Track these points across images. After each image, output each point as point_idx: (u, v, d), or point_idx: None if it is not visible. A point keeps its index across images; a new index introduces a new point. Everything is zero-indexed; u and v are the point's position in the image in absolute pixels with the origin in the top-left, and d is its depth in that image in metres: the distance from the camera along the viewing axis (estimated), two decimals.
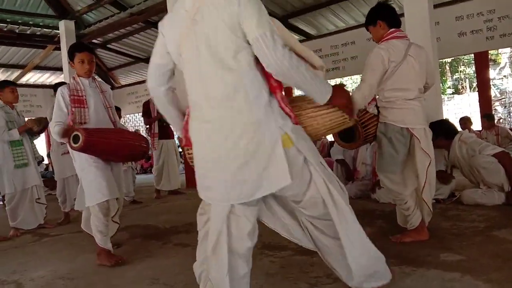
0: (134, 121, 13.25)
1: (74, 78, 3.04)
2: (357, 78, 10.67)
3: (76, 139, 2.70)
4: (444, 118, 4.25)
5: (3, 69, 10.58)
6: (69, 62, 3.09)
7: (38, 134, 4.62)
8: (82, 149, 2.71)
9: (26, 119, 4.67)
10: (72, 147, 2.73)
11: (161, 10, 7.40)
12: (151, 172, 8.04)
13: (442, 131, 3.87)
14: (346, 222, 1.66)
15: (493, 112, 9.34)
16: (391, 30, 2.67)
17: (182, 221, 4.13)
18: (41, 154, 4.82)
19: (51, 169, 8.95)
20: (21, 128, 4.31)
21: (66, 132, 2.73)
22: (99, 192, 2.84)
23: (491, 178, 3.62)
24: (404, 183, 2.69)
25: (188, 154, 1.86)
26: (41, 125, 4.38)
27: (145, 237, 3.68)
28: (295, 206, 1.70)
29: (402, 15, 5.17)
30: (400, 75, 2.57)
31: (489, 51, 7.75)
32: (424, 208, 2.72)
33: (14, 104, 4.48)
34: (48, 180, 7.59)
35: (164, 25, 1.65)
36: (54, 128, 2.84)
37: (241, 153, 1.49)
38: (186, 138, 1.73)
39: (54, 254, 3.34)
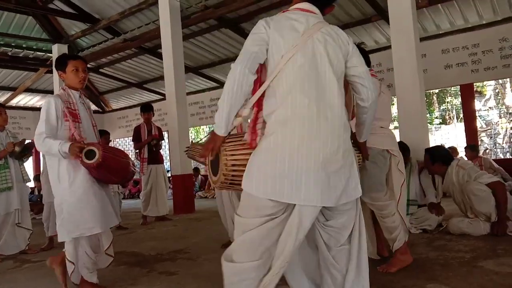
0: (124, 146, 13.20)
1: (64, 89, 2.72)
2: None
3: (90, 155, 2.45)
4: (440, 144, 4.34)
5: None
6: (59, 74, 2.77)
7: (25, 156, 4.52)
8: (97, 166, 2.46)
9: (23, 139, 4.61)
10: (85, 164, 2.46)
11: (155, 36, 7.52)
12: (138, 197, 7.96)
13: (441, 157, 3.95)
14: (362, 248, 1.77)
15: (480, 143, 9.50)
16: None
17: (168, 248, 4.06)
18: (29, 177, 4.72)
19: (36, 193, 8.81)
20: (1, 153, 4.24)
21: (78, 147, 2.44)
22: (92, 222, 2.51)
23: (480, 206, 3.63)
24: (389, 198, 2.85)
25: (232, 158, 1.74)
26: (22, 146, 4.30)
27: (130, 264, 3.61)
28: (328, 229, 1.76)
29: (389, 47, 5.32)
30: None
31: (475, 83, 7.95)
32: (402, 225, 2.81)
33: (4, 126, 4.43)
34: (33, 203, 7.45)
35: (270, 26, 1.71)
36: (43, 140, 2.49)
37: (340, 159, 1.65)
38: (253, 139, 1.72)
39: (35, 282, 3.25)
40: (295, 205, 1.62)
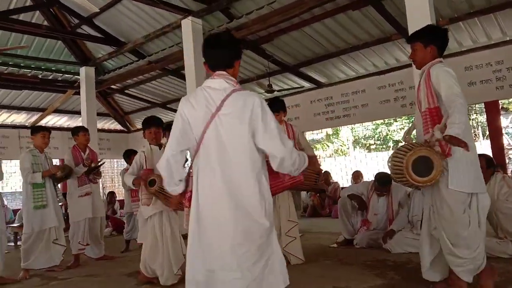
0: None
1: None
2: (368, 125, 10.73)
3: None
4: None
5: (24, 112, 10.97)
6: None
7: (62, 180, 4.75)
8: None
9: (54, 161, 4.87)
10: None
11: (178, 58, 7.71)
12: None
13: (493, 164, 3.85)
14: None
15: (508, 161, 9.24)
16: None
17: None
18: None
19: (63, 211, 9.01)
20: (45, 172, 4.47)
21: None
22: None
23: (508, 225, 3.51)
24: None
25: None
26: (65, 171, 4.55)
27: (153, 284, 3.64)
28: None
29: (411, 65, 5.31)
30: None
31: (500, 100, 7.80)
32: None
33: (43, 148, 4.68)
34: None
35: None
36: None
37: None
38: (449, 150, 2.51)
39: None
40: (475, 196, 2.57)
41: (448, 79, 2.53)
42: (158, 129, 3.80)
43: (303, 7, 5.99)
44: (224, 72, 2.04)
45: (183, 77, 8.52)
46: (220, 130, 1.90)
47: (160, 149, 3.82)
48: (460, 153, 2.45)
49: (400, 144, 3.01)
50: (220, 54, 2.06)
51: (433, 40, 2.78)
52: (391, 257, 3.95)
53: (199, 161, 1.94)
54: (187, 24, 6.97)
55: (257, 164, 1.91)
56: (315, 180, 3.78)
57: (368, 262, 3.85)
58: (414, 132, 2.85)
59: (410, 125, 3.06)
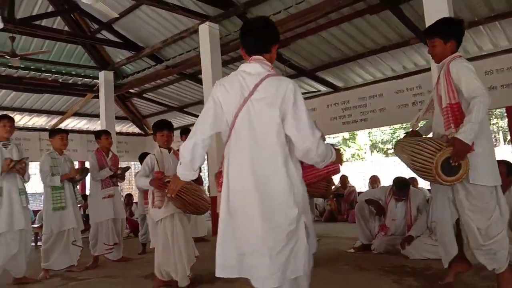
0: None
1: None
2: (386, 129, 10.62)
3: None
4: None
5: (45, 115, 11.22)
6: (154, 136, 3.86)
7: (80, 180, 4.87)
8: None
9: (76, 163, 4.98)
10: None
11: (195, 63, 7.79)
12: None
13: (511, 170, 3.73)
14: None
15: None
16: None
17: (207, 270, 4.08)
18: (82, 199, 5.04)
19: (82, 212, 9.16)
20: (64, 176, 4.54)
21: None
22: None
23: None
24: None
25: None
26: (84, 174, 4.64)
27: (169, 287, 3.67)
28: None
29: (429, 69, 5.25)
30: None
31: None
32: None
33: (63, 150, 4.76)
34: None
35: None
36: None
37: None
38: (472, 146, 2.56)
39: None
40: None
41: (468, 74, 2.56)
42: (170, 133, 3.83)
43: (319, 12, 5.99)
44: (260, 57, 2.01)
45: (200, 81, 8.60)
46: (252, 115, 1.89)
47: (169, 152, 3.85)
48: (482, 148, 2.52)
49: (410, 132, 2.96)
50: (255, 38, 2.04)
51: (452, 35, 2.76)
52: (409, 263, 3.90)
53: (231, 146, 1.94)
54: (204, 29, 7.04)
55: (286, 149, 1.89)
56: (325, 188, 3.79)
57: (386, 268, 3.81)
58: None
59: (419, 112, 2.99)
